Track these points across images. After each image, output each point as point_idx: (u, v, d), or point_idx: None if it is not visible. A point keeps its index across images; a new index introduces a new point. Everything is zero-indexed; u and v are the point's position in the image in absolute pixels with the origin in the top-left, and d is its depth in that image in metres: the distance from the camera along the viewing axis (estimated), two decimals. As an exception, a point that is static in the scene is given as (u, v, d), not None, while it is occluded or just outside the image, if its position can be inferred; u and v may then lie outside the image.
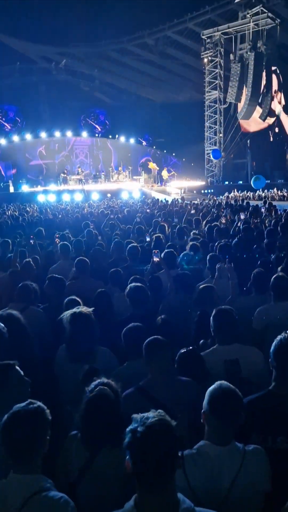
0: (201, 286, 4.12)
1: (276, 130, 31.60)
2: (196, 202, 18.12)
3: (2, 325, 2.96)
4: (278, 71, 30.49)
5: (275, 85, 30.51)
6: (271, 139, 32.02)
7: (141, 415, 1.61)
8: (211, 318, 3.17)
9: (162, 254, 5.41)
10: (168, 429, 1.57)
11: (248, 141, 33.25)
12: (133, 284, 4.03)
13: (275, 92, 30.49)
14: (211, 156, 27.10)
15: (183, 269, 5.18)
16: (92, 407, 2.15)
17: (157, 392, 2.58)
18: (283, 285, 3.98)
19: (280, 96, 30.72)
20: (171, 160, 39.43)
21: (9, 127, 36.21)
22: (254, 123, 31.30)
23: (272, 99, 30.09)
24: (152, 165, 32.33)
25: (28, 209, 16.01)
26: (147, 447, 1.52)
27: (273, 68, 29.91)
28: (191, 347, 2.94)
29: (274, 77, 30.47)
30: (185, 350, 2.92)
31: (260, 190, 26.34)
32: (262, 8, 27.16)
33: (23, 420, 1.85)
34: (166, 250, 5.47)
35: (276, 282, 3.99)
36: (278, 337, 2.39)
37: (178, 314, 4.11)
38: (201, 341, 3.40)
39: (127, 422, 1.63)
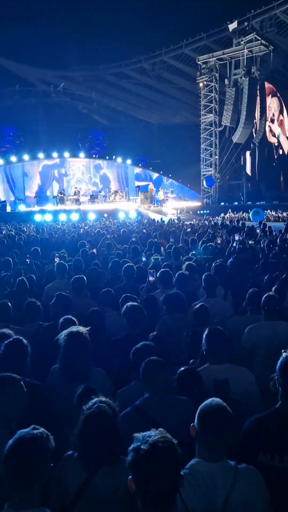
0: (196, 306, 4.12)
1: (280, 152, 32.16)
2: (192, 222, 18.27)
3: None
4: (278, 94, 31.20)
5: (275, 108, 31.20)
6: (275, 160, 32.43)
7: (142, 433, 1.60)
8: (204, 337, 3.16)
9: (158, 274, 5.42)
10: (171, 447, 1.57)
11: (244, 159, 33.74)
12: (129, 303, 4.01)
13: (273, 115, 31.17)
14: (205, 183, 27.53)
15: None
16: (90, 423, 2.12)
17: (153, 412, 2.56)
18: (273, 304, 4.02)
19: (279, 117, 31.35)
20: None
21: (7, 147, 36.58)
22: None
23: (272, 121, 30.81)
24: (151, 187, 32.72)
25: (24, 228, 16.06)
26: (151, 465, 1.51)
27: (271, 87, 30.64)
28: (190, 366, 2.93)
29: (275, 100, 31.18)
30: (184, 368, 2.90)
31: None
32: (255, 35, 27.99)
33: (28, 447, 1.80)
34: (162, 270, 5.48)
35: (266, 301, 4.02)
36: (284, 354, 2.36)
37: (174, 333, 4.09)
38: (191, 360, 3.38)
39: (125, 441, 1.63)
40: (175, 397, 2.72)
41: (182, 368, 2.85)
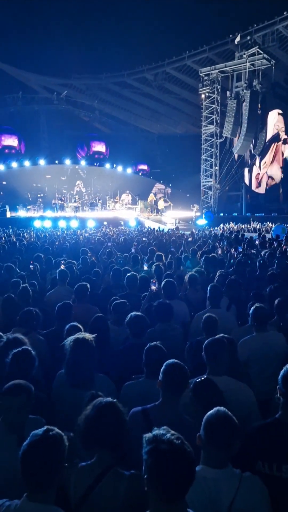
0: (204, 316, 4.12)
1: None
2: (192, 231, 18.34)
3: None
4: (281, 112, 31.46)
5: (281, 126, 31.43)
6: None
7: (152, 434, 1.67)
8: (203, 347, 3.16)
9: (162, 284, 5.43)
10: (184, 442, 1.65)
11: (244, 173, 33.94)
12: (133, 313, 4.03)
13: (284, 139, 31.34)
14: (204, 217, 27.61)
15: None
16: (98, 412, 2.16)
17: (158, 422, 2.56)
18: (263, 315, 3.99)
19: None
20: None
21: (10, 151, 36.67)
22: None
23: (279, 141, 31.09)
24: (151, 197, 32.86)
25: (25, 235, 16.07)
26: (174, 462, 1.58)
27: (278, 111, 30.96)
28: (205, 376, 2.92)
29: (280, 118, 31.41)
30: (199, 379, 2.85)
31: (255, 222, 26.80)
32: (258, 49, 28.34)
33: (43, 449, 1.83)
34: (165, 280, 5.50)
35: (255, 313, 3.98)
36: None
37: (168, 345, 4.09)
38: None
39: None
40: (184, 416, 2.70)
41: (198, 379, 2.83)
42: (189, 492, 1.95)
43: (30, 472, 1.82)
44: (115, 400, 2.25)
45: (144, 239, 13.79)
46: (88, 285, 5.41)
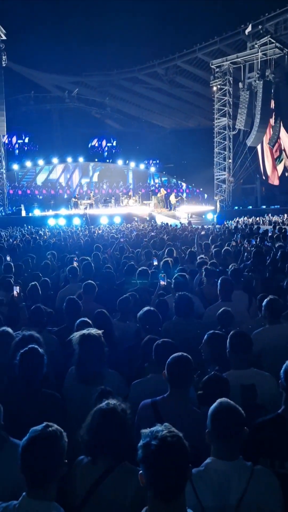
0: (220, 309, 4.09)
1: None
2: (206, 226, 18.24)
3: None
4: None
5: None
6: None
7: (149, 429, 1.66)
8: (228, 340, 3.13)
9: (173, 279, 5.41)
10: (179, 441, 1.63)
11: (258, 175, 33.49)
12: (145, 308, 4.03)
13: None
14: (215, 219, 27.42)
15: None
16: (99, 417, 2.15)
17: (165, 413, 2.57)
18: (277, 307, 3.98)
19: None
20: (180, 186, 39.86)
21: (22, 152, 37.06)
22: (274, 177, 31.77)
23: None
24: (162, 191, 32.77)
25: (41, 232, 16.24)
26: (162, 459, 1.57)
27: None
28: (215, 372, 2.90)
29: None
30: (210, 375, 2.85)
31: (270, 215, 26.46)
32: (270, 38, 27.85)
33: (42, 445, 1.83)
34: (176, 275, 5.48)
35: (269, 305, 3.96)
36: None
37: (184, 338, 4.08)
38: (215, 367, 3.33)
39: (137, 432, 1.68)
40: (192, 408, 2.70)
41: (208, 375, 2.82)
42: (200, 486, 1.95)
43: (29, 467, 1.82)
44: (117, 403, 2.21)
45: (152, 234, 13.74)
46: (95, 284, 5.41)
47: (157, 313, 4.05)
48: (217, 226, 20.17)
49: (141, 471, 1.63)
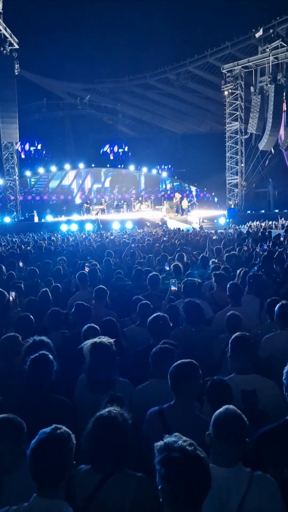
0: (228, 314, 4.07)
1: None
2: (219, 231, 18.17)
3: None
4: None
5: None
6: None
7: (163, 443, 1.60)
8: (229, 345, 3.12)
9: (182, 283, 5.39)
10: (197, 449, 1.58)
11: (270, 179, 33.30)
12: (155, 314, 3.99)
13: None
14: (226, 215, 27.13)
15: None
16: (99, 425, 2.15)
17: (171, 421, 2.56)
18: None
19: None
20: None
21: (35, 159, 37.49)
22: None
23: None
24: (177, 195, 32.79)
25: (53, 238, 16.39)
26: (188, 469, 1.52)
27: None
28: (219, 377, 2.88)
29: None
30: (214, 380, 2.83)
31: (283, 219, 26.24)
32: (281, 42, 27.77)
33: (51, 446, 1.86)
34: (185, 279, 5.45)
35: (281, 310, 3.93)
36: None
37: (193, 345, 4.05)
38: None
39: (144, 440, 1.64)
40: (199, 415, 2.67)
41: (212, 380, 2.80)
42: None
43: (39, 468, 1.85)
44: (118, 411, 2.20)
45: (164, 238, 13.73)
46: (106, 289, 5.41)
47: (166, 318, 4.01)
48: (229, 227, 20.07)
49: (160, 487, 1.56)
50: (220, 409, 2.08)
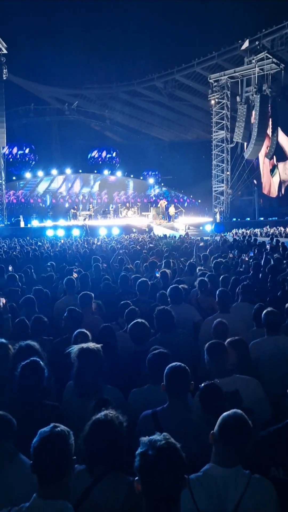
0: (215, 321, 4.15)
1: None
2: (206, 238, 18.31)
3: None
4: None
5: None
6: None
7: (148, 438, 1.69)
8: (205, 352, 3.24)
9: (168, 290, 5.44)
10: (176, 451, 1.65)
11: (255, 180, 33.80)
12: (135, 320, 4.02)
13: None
14: (213, 228, 27.49)
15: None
16: (95, 429, 2.18)
17: (165, 424, 2.60)
18: (274, 319, 4.07)
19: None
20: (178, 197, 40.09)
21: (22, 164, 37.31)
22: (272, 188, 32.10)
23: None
24: (162, 202, 32.94)
25: (39, 243, 16.29)
26: (158, 469, 1.60)
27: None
28: (212, 381, 2.93)
29: None
30: (207, 383, 2.87)
31: (268, 227, 26.62)
32: (267, 54, 28.32)
33: (53, 443, 1.88)
34: (171, 286, 5.51)
35: (267, 317, 4.07)
36: None
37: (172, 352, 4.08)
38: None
39: (137, 442, 1.71)
40: (191, 417, 2.73)
41: (204, 384, 2.86)
42: (198, 491, 1.98)
43: (41, 466, 1.87)
44: (114, 415, 2.23)
45: (151, 245, 13.77)
46: (92, 295, 5.42)
47: (145, 324, 4.01)
48: (215, 235, 20.26)
49: (137, 478, 1.65)
50: (229, 412, 2.14)
